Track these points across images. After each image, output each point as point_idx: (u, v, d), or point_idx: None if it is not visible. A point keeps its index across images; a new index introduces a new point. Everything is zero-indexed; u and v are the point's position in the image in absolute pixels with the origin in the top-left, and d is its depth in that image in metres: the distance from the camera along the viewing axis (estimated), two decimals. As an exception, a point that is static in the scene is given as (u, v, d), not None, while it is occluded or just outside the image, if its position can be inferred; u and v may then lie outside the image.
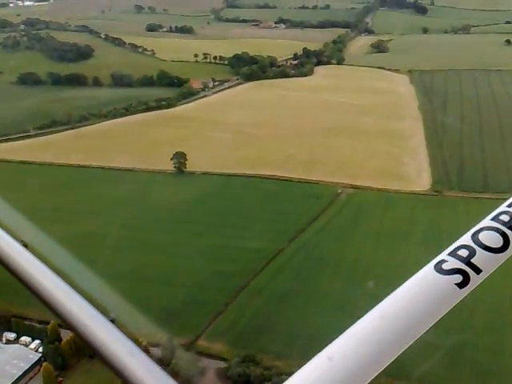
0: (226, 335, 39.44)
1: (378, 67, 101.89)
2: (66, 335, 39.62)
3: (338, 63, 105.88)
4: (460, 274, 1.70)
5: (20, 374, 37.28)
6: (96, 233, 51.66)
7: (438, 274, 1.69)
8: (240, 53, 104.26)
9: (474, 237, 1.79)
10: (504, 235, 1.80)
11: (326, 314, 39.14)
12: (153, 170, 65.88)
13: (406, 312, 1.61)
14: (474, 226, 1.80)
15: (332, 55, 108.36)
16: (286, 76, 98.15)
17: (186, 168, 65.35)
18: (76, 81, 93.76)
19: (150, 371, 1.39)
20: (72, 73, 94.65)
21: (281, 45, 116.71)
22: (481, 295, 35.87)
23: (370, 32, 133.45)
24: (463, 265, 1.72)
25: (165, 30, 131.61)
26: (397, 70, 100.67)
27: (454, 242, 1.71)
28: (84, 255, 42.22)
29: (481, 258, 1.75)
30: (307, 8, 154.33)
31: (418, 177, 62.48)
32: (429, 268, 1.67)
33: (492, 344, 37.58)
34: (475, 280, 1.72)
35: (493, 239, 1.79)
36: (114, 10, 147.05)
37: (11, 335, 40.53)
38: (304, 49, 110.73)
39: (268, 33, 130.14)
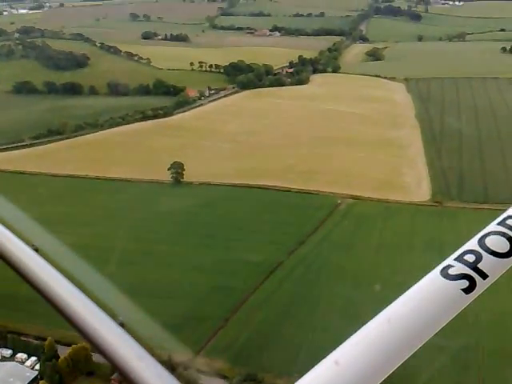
0: (227, 352, 38.82)
1: (374, 75, 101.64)
2: (63, 352, 39.07)
3: (334, 71, 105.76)
4: (466, 279, 1.70)
5: (17, 392, 36.56)
6: (91, 245, 50.95)
7: (444, 280, 1.69)
8: (236, 61, 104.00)
9: (481, 242, 1.77)
10: (511, 240, 1.79)
11: (329, 330, 38.57)
12: (150, 181, 65.29)
13: (412, 317, 1.61)
14: (481, 230, 1.82)
15: (328, 63, 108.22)
16: (283, 84, 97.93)
17: (183, 178, 64.85)
18: (72, 90, 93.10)
19: (158, 375, 1.46)
20: (68, 81, 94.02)
21: (276, 53, 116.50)
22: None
23: (364, 40, 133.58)
24: (469, 270, 1.72)
25: (160, 37, 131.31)
26: (393, 78, 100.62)
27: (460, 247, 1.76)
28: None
29: (487, 263, 1.74)
30: (301, 16, 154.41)
31: (418, 187, 62.15)
32: (435, 273, 1.70)
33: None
34: (481, 285, 1.71)
35: (499, 244, 1.77)
36: (108, 18, 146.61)
37: (7, 352, 39.74)
38: (299, 57, 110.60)
39: (263, 41, 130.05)
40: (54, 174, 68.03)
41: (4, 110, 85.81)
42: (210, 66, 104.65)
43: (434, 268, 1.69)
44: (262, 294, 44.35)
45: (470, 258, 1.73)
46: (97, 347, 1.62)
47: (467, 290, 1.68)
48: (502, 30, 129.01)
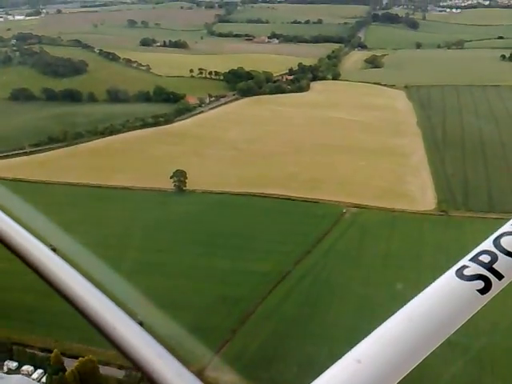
0: (235, 364, 38.23)
1: (374, 83, 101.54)
2: (69, 365, 38.42)
3: (334, 78, 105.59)
4: (481, 279, 1.69)
5: (23, 406, 35.81)
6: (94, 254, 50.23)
7: (460, 280, 1.68)
8: (235, 68, 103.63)
9: (496, 242, 1.78)
10: None
11: (337, 341, 38.08)
12: (152, 189, 64.71)
13: (428, 318, 1.61)
14: (496, 231, 1.86)
15: (327, 70, 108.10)
16: (283, 91, 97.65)
17: (185, 186, 64.33)
18: (71, 97, 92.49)
19: (179, 374, 1.56)
20: (66, 88, 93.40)
21: (275, 60, 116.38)
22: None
23: (363, 47, 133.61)
24: (485, 270, 1.71)
25: (159, 44, 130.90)
26: (393, 86, 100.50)
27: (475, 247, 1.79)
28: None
29: (503, 263, 1.74)
30: (299, 23, 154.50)
31: (422, 196, 61.83)
32: (450, 274, 1.71)
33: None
34: (497, 286, 1.71)
35: None
36: (106, 25, 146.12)
37: (13, 364, 39.07)
38: (299, 64, 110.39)
39: (262, 47, 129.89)
40: (55, 181, 67.35)
41: (2, 117, 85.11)
42: (210, 72, 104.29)
43: (449, 269, 1.69)
44: (270, 304, 43.80)
45: (486, 258, 1.72)
46: (116, 347, 1.66)
47: (483, 291, 1.67)
48: (501, 37, 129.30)
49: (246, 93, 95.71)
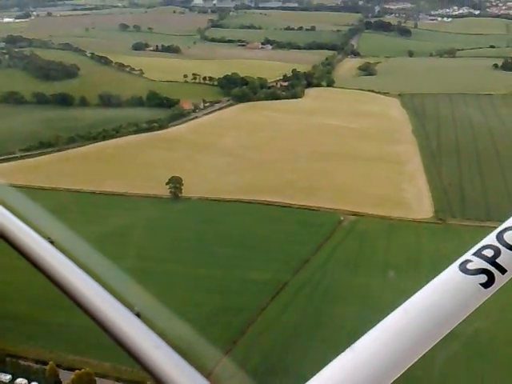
0: (237, 376, 37.41)
1: (369, 90, 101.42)
2: (64, 377, 37.39)
3: (328, 85, 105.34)
4: (485, 273, 1.70)
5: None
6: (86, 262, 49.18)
7: (463, 274, 1.69)
8: (229, 73, 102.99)
9: (499, 236, 1.80)
10: None
11: (339, 351, 37.38)
12: (147, 195, 63.78)
13: (431, 312, 1.62)
14: (499, 225, 1.84)
15: (322, 77, 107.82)
16: (277, 98, 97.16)
17: (181, 193, 63.48)
18: (62, 101, 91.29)
19: (176, 365, 1.57)
20: (58, 92, 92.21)
21: (269, 66, 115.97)
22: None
23: (356, 54, 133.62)
24: (488, 265, 1.72)
25: (151, 49, 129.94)
26: (387, 94, 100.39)
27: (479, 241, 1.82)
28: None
29: (506, 257, 1.75)
30: (293, 29, 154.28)
31: (419, 204, 61.52)
32: (453, 268, 1.72)
33: None
34: (500, 280, 1.72)
35: None
36: (98, 28, 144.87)
37: (6, 377, 37.92)
38: (293, 70, 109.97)
39: (255, 53, 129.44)
40: (46, 187, 66.00)
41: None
42: (204, 78, 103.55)
43: (452, 262, 1.70)
44: (270, 315, 43.07)
45: (489, 252, 1.74)
46: (114, 338, 1.69)
47: (486, 285, 1.68)
48: (492, 46, 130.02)
49: (240, 99, 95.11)
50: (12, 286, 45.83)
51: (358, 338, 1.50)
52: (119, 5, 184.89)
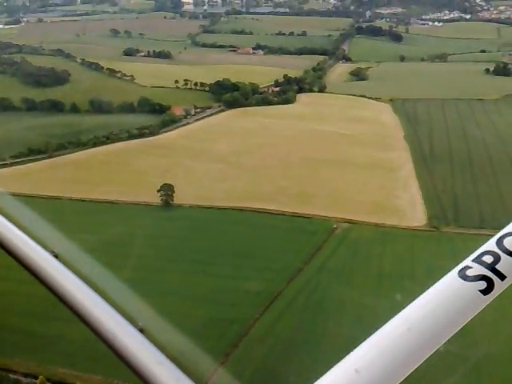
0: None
1: (360, 95, 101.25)
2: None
3: (320, 91, 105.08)
4: (484, 280, 1.70)
5: None
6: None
7: (462, 281, 1.69)
8: (221, 79, 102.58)
9: (499, 243, 1.80)
10: None
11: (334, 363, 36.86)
12: (138, 203, 63.13)
13: (431, 319, 1.60)
14: (499, 232, 1.87)
15: (313, 83, 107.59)
16: (269, 103, 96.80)
17: (173, 200, 62.85)
18: (53, 107, 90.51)
19: (178, 381, 1.55)
20: (48, 99, 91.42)
21: (260, 71, 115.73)
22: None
23: (347, 59, 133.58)
24: (487, 271, 1.72)
25: (142, 54, 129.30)
26: (378, 99, 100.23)
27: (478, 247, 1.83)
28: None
29: (505, 264, 1.74)
30: (284, 34, 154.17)
31: (413, 211, 61.20)
32: (453, 274, 1.73)
33: None
34: (500, 286, 1.71)
35: None
36: (88, 34, 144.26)
37: (-6, 391, 37.29)
38: (285, 76, 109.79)
39: (246, 59, 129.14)
40: (36, 194, 65.15)
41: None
42: (195, 83, 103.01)
43: (451, 269, 1.69)
44: (263, 326, 42.50)
45: (488, 259, 1.73)
46: (116, 352, 1.69)
47: (485, 291, 1.67)
48: (483, 51, 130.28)
49: (231, 104, 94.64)
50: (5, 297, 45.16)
51: (358, 344, 1.48)
52: (110, 10, 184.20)
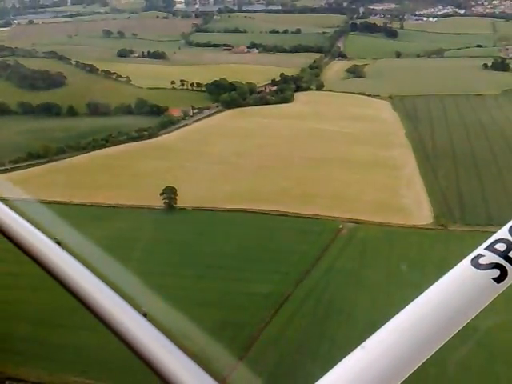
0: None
1: (359, 93, 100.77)
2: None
3: (318, 89, 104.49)
4: (497, 268, 1.69)
5: None
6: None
7: (475, 269, 1.70)
8: (217, 79, 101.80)
9: None
10: None
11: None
12: (140, 206, 62.49)
13: (443, 307, 1.60)
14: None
15: (311, 81, 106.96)
16: (267, 103, 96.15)
17: (176, 203, 62.18)
18: (49, 110, 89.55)
19: (183, 365, 1.58)
20: (45, 102, 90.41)
21: (257, 70, 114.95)
22: None
23: (343, 56, 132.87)
24: (500, 259, 1.72)
25: (137, 55, 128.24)
26: (377, 96, 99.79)
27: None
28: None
29: None
30: (278, 32, 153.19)
31: (418, 209, 60.81)
32: (465, 263, 1.75)
33: None
34: None
35: None
36: (81, 35, 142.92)
37: (4, 402, 36.61)
38: (281, 74, 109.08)
39: (241, 57, 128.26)
40: (37, 200, 64.26)
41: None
42: (192, 84, 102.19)
43: (464, 257, 1.71)
44: (275, 329, 41.98)
45: (501, 246, 1.74)
46: (121, 338, 1.71)
47: (498, 280, 1.67)
48: (479, 46, 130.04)
49: (229, 104, 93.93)
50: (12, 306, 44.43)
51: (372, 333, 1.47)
52: (101, 11, 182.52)
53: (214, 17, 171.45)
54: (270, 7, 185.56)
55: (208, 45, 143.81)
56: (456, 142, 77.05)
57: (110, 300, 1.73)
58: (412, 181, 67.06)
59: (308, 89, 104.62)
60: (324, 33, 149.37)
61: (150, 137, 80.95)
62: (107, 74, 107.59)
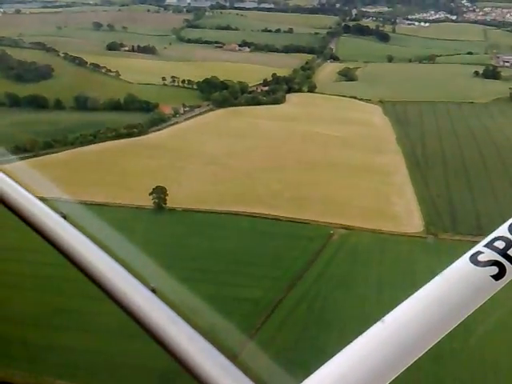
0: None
1: (351, 96, 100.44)
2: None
3: (310, 91, 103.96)
4: (496, 265, 1.72)
5: None
6: (70, 278, 46.80)
7: (474, 266, 1.72)
8: (209, 77, 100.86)
9: (511, 228, 1.82)
10: None
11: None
12: (129, 205, 61.48)
13: (442, 303, 1.63)
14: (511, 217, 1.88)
15: (303, 82, 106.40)
16: (259, 103, 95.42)
17: (165, 204, 61.25)
18: (36, 103, 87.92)
19: (191, 338, 1.58)
20: (32, 94, 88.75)
21: (249, 69, 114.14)
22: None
23: (335, 59, 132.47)
24: (499, 256, 1.74)
25: (126, 49, 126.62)
26: (368, 100, 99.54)
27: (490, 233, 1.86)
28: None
29: None
30: (270, 31, 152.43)
31: (409, 217, 60.56)
32: (464, 260, 1.84)
33: None
34: None
35: None
36: (70, 27, 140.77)
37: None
38: (273, 74, 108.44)
39: (233, 56, 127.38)
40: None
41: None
42: (183, 81, 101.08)
43: (463, 254, 1.71)
44: (265, 336, 41.38)
45: (500, 244, 1.76)
46: (128, 312, 1.73)
47: (497, 277, 1.70)
48: (470, 53, 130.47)
49: (221, 103, 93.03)
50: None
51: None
52: (91, 2, 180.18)
53: (206, 13, 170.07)
54: (263, 5, 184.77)
55: (199, 41, 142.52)
56: (447, 149, 77.02)
57: (117, 274, 1.69)
58: (403, 188, 66.84)
59: (300, 90, 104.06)
60: (316, 33, 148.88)
61: (140, 134, 79.81)
62: (96, 67, 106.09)
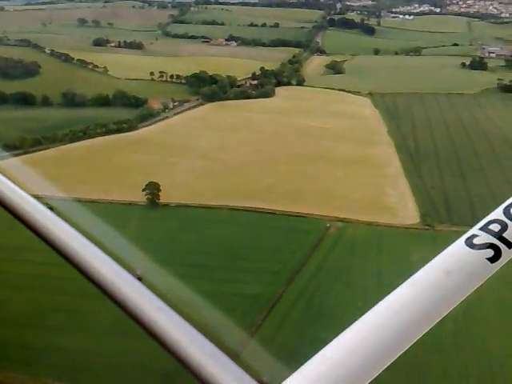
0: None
1: (339, 89, 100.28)
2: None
3: (298, 84, 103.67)
4: (491, 248, 1.71)
5: None
6: (63, 277, 46.11)
7: (469, 249, 1.71)
8: (197, 71, 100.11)
9: (506, 211, 1.81)
10: None
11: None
12: (122, 202, 60.81)
13: (437, 286, 1.62)
14: (506, 200, 1.88)
15: (291, 76, 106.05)
16: (248, 97, 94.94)
17: (159, 199, 60.64)
18: (23, 100, 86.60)
19: (178, 326, 1.57)
20: (19, 91, 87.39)
21: (236, 63, 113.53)
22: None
23: (321, 52, 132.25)
24: (495, 239, 1.73)
25: (113, 45, 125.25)
26: (357, 93, 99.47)
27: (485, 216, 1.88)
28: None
29: None
30: (256, 26, 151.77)
31: (405, 208, 60.56)
32: (459, 242, 1.78)
33: None
34: (507, 254, 1.72)
35: None
36: (55, 24, 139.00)
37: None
38: (261, 68, 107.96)
39: (220, 50, 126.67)
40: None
41: None
42: (171, 76, 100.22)
43: (458, 238, 1.73)
44: (267, 332, 41.07)
45: (495, 227, 1.75)
46: (116, 301, 1.72)
47: (492, 259, 1.69)
48: (455, 44, 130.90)
49: (210, 98, 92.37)
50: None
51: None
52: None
53: (191, 8, 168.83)
54: (247, 0, 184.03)
55: (186, 36, 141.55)
56: (439, 140, 77.17)
57: (103, 263, 1.68)
58: (397, 180, 66.85)
59: (288, 84, 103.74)
60: (302, 27, 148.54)
61: (130, 129, 78.98)
62: (83, 63, 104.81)
